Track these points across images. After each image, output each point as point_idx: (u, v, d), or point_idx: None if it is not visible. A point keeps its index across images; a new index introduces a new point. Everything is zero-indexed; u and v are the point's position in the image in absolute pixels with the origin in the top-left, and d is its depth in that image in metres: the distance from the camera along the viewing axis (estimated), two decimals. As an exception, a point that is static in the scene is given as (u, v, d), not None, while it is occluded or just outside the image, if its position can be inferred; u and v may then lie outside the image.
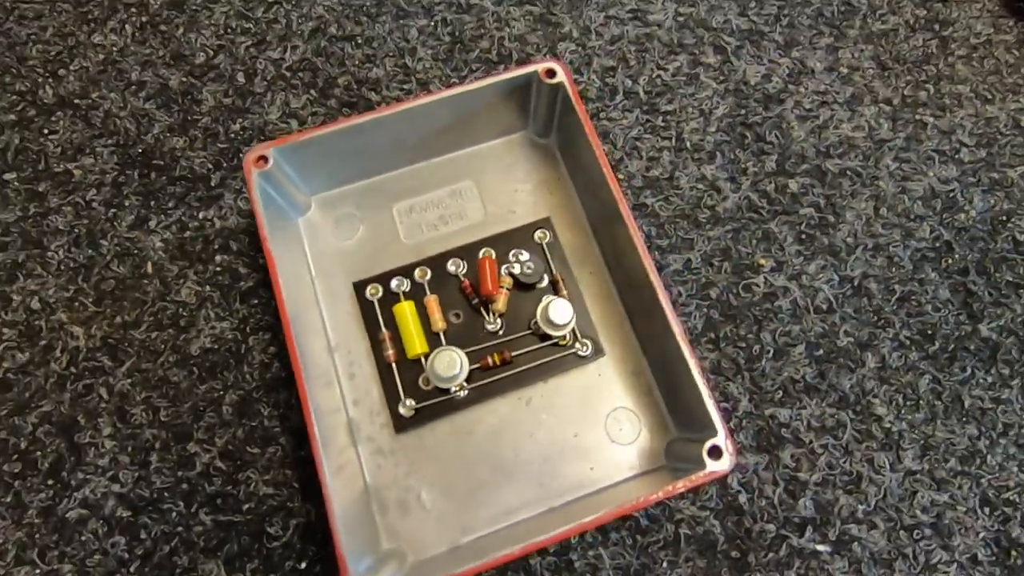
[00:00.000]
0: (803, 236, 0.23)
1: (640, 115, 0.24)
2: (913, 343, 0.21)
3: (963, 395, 0.21)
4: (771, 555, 0.19)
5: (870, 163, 0.24)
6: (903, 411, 0.21)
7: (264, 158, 0.19)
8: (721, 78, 0.25)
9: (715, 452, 0.17)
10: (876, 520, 0.20)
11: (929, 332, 0.22)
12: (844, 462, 0.20)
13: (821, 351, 0.21)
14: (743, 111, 0.25)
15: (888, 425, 0.20)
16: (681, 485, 0.16)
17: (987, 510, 0.20)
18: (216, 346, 0.21)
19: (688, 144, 0.24)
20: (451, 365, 0.19)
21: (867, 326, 0.22)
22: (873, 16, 0.26)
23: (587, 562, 0.19)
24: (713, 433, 0.17)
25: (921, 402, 0.21)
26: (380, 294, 0.21)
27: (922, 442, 0.20)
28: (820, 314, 0.22)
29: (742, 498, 0.20)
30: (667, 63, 0.25)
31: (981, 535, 0.19)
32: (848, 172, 0.24)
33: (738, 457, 0.19)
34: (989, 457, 0.20)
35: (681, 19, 0.26)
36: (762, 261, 0.22)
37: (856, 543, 0.19)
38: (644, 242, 0.19)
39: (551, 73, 0.20)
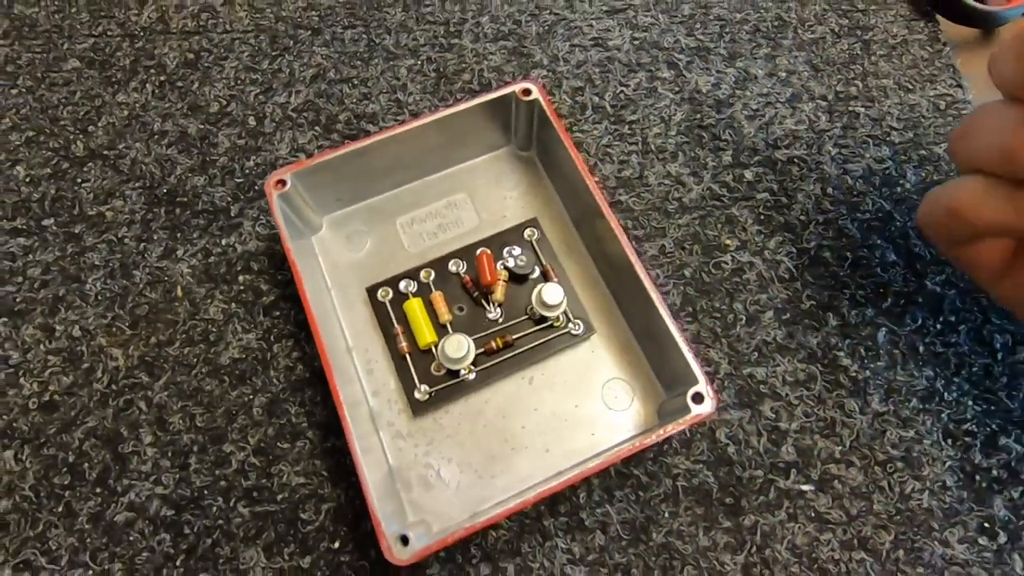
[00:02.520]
0: (762, 217, 0.26)
1: (608, 126, 0.28)
2: (868, 301, 0.24)
3: (917, 343, 0.23)
4: (761, 498, 0.21)
5: (813, 150, 0.27)
6: (866, 361, 0.23)
7: (282, 181, 0.22)
8: (676, 89, 0.28)
9: (698, 398, 0.19)
10: (852, 459, 0.22)
11: (881, 290, 0.24)
12: (818, 410, 0.22)
13: (788, 315, 0.24)
14: (698, 115, 0.28)
15: (854, 374, 0.23)
16: (671, 427, 0.18)
17: (950, 441, 0.22)
18: (244, 356, 0.23)
19: (653, 147, 0.27)
20: (459, 347, 0.21)
21: (826, 289, 0.24)
22: (803, 27, 0.30)
23: (596, 519, 0.21)
24: (695, 382, 0.19)
25: (881, 351, 0.23)
26: (391, 296, 0.23)
27: (885, 387, 0.23)
28: (784, 283, 0.24)
29: (731, 450, 0.22)
30: (628, 80, 0.29)
31: (947, 464, 0.21)
32: (795, 160, 0.27)
33: (719, 404, 0.21)
34: (946, 394, 0.22)
35: (637, 42, 0.29)
36: (728, 242, 0.25)
37: (836, 480, 0.21)
38: (622, 228, 0.21)
39: (527, 92, 0.24)
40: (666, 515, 0.21)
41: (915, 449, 0.22)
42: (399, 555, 0.17)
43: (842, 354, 0.23)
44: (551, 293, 0.22)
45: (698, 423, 0.19)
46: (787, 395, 0.23)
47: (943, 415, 0.22)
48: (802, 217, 0.26)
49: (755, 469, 0.21)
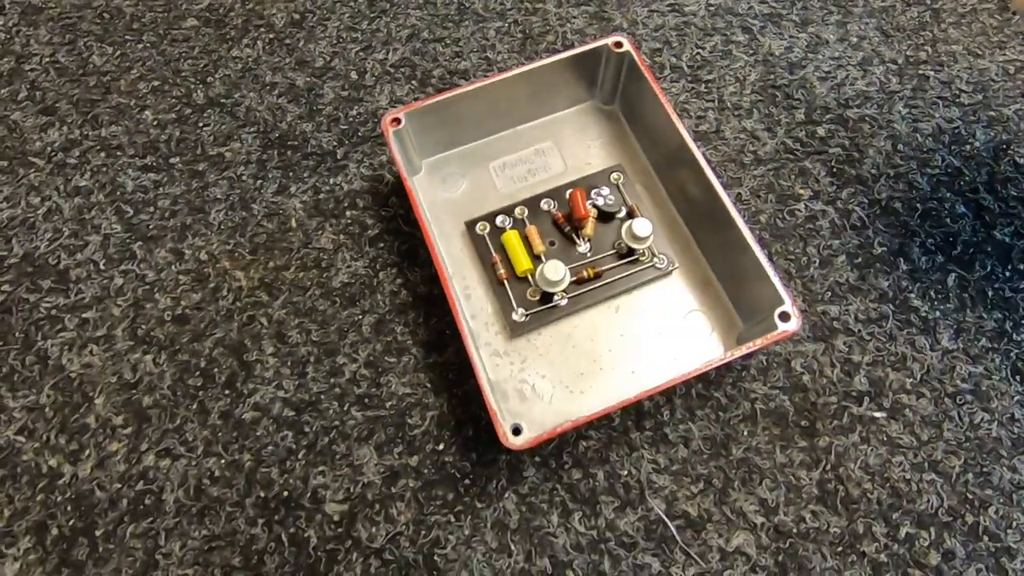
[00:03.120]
0: (834, 170, 0.27)
1: (686, 84, 0.29)
2: (938, 248, 0.25)
3: (986, 288, 0.24)
4: (835, 422, 0.22)
5: (884, 110, 0.28)
6: (936, 302, 0.24)
7: (397, 120, 0.24)
8: (751, 52, 0.30)
9: (784, 316, 0.20)
10: (923, 390, 0.23)
11: (951, 239, 0.25)
12: (890, 345, 0.24)
13: (860, 259, 0.25)
14: (772, 76, 0.29)
15: (924, 314, 0.24)
16: (759, 341, 0.20)
17: (1018, 378, 0.23)
18: (352, 281, 0.25)
19: (729, 104, 0.29)
20: (557, 270, 0.23)
21: (897, 237, 0.25)
22: (873, -3, 0.31)
23: (679, 435, 0.22)
24: (781, 302, 0.21)
25: (951, 294, 0.24)
26: (488, 229, 0.25)
27: (955, 326, 0.24)
28: (855, 230, 0.26)
29: (805, 378, 0.23)
30: (704, 43, 0.30)
31: (1016, 398, 0.23)
32: (866, 118, 0.28)
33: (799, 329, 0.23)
34: (1015, 335, 0.24)
35: (712, 8, 0.31)
36: (801, 191, 0.27)
37: (907, 409, 0.23)
38: (712, 168, 0.23)
39: (619, 44, 0.25)
40: (744, 434, 0.22)
41: (984, 384, 0.23)
42: (513, 442, 0.19)
43: (913, 295, 0.24)
44: (641, 226, 0.23)
45: (783, 340, 0.20)
46: (859, 331, 0.24)
47: (1012, 354, 0.23)
48: (873, 171, 0.27)
49: (829, 396, 0.23)
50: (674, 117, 0.24)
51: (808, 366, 0.23)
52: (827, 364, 0.23)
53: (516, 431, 0.19)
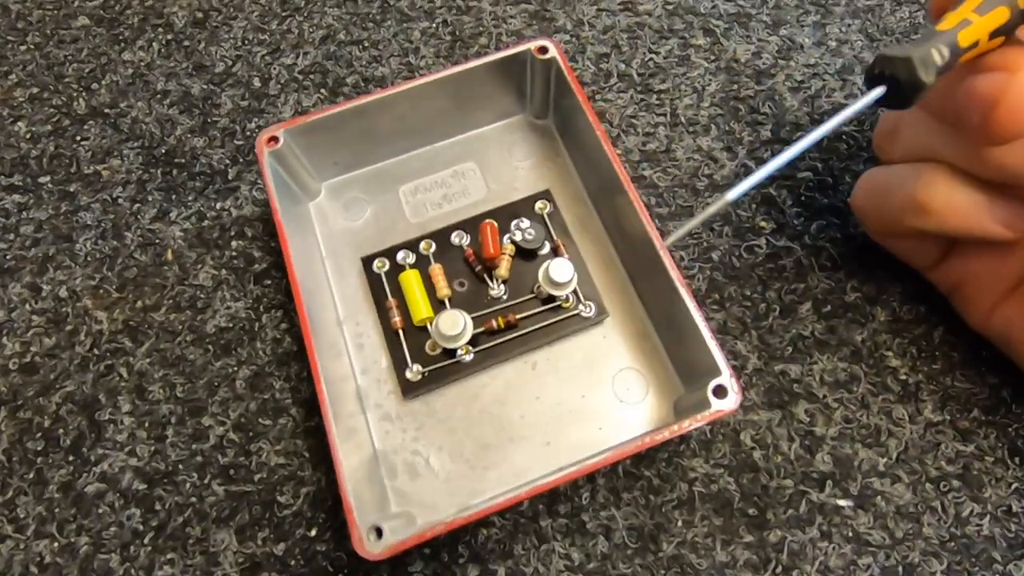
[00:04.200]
0: (803, 199, 0.23)
1: (635, 95, 0.25)
2: (923, 296, 0.21)
3: (979, 346, 0.20)
4: (791, 511, 0.18)
5: (865, 127, 0.24)
6: (919, 363, 0.20)
7: (275, 138, 0.20)
8: (712, 58, 0.26)
9: (720, 391, 0.16)
10: (899, 473, 0.19)
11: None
12: (861, 415, 0.20)
13: (829, 307, 0.21)
14: (735, 86, 0.25)
15: (904, 377, 0.20)
16: (688, 423, 0.16)
17: (1017, 460, 0.19)
18: (231, 324, 0.22)
19: (683, 119, 0.25)
20: (455, 324, 0.19)
21: (874, 281, 0.21)
22: (857, -5, 0.27)
23: (600, 523, 0.19)
24: (717, 373, 0.17)
25: (937, 353, 0.20)
26: (387, 267, 0.21)
27: (941, 393, 0.20)
28: (825, 271, 0.22)
29: (756, 454, 0.19)
30: (658, 47, 0.26)
31: (1014, 486, 0.18)
32: (843, 136, 0.24)
33: (744, 401, 0.19)
34: (1014, 406, 0.19)
35: (670, 7, 0.27)
36: (763, 224, 0.23)
37: (879, 497, 0.19)
38: (643, 205, 0.19)
39: (543, 50, 0.21)
40: (679, 523, 0.18)
41: (975, 466, 0.19)
42: (371, 548, 0.15)
43: (891, 354, 0.20)
44: (560, 269, 0.20)
45: (718, 420, 0.17)
46: (824, 396, 0.20)
47: (1010, 429, 0.19)
48: (849, 200, 0.23)
49: (784, 478, 0.19)
50: (601, 137, 0.20)
51: (760, 440, 0.19)
52: (784, 438, 0.19)
53: (379, 532, 0.16)
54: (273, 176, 0.20)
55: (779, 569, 0.18)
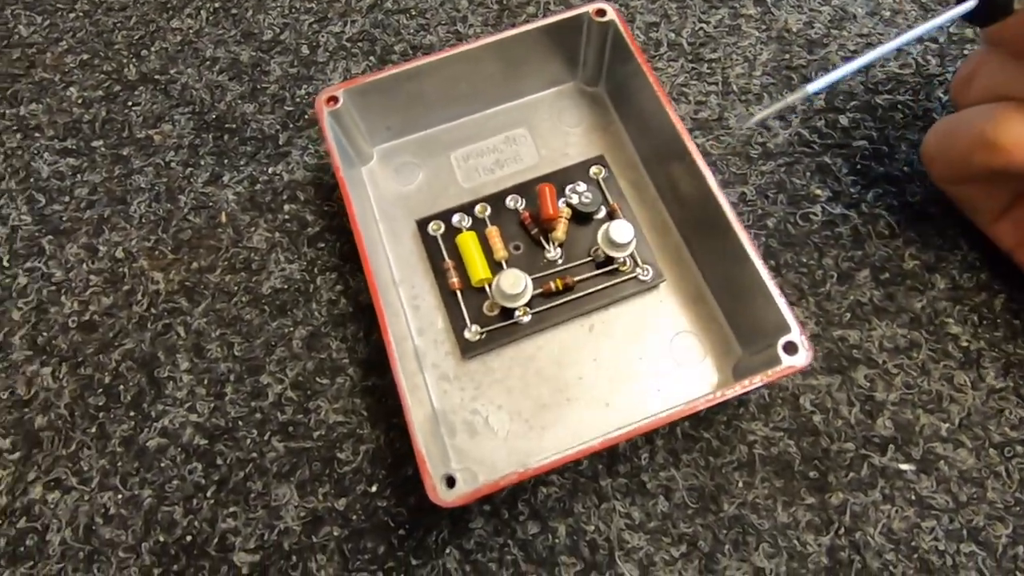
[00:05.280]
0: (858, 167, 0.23)
1: (685, 64, 0.25)
2: (984, 264, 0.21)
3: (1043, 313, 0.20)
4: (852, 474, 0.18)
5: (920, 97, 0.24)
6: (980, 330, 0.20)
7: (334, 98, 0.21)
8: (763, 27, 0.26)
9: (791, 348, 0.16)
10: (962, 438, 0.19)
11: (999, 253, 0.21)
12: (922, 381, 0.19)
13: (887, 274, 0.21)
14: (787, 56, 0.25)
15: (965, 344, 0.20)
16: (759, 379, 0.16)
17: (1083, 426, 0.19)
18: (286, 286, 0.22)
19: (735, 88, 0.24)
20: (516, 283, 0.19)
21: (933, 249, 0.21)
22: (910, -35, 0.27)
23: (659, 483, 0.19)
24: (787, 330, 0.16)
25: (998, 320, 0.20)
26: (442, 230, 0.21)
27: (1003, 360, 0.20)
28: (883, 239, 0.21)
29: (816, 418, 0.19)
30: (708, 16, 0.26)
31: (1080, 452, 0.18)
32: (899, 106, 0.24)
33: (812, 357, 0.19)
34: (1079, 373, 0.19)
35: (719, -23, 0.27)
36: (818, 191, 0.22)
37: (942, 462, 0.18)
38: (708, 165, 0.19)
39: (601, 12, 0.21)
40: (739, 485, 0.18)
41: (1039, 432, 0.19)
42: (444, 496, 0.15)
43: (951, 321, 0.20)
44: (620, 230, 0.19)
45: (792, 375, 0.16)
46: (884, 362, 0.20)
47: (1075, 396, 0.19)
48: (905, 168, 0.23)
49: (845, 442, 0.19)
50: (663, 99, 0.20)
51: (820, 404, 0.19)
52: (843, 402, 0.19)
53: (450, 482, 0.16)
54: (333, 136, 0.20)
55: (841, 531, 0.18)
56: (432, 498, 0.15)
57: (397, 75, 0.21)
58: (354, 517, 0.19)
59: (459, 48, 0.21)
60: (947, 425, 0.19)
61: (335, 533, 0.18)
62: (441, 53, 0.21)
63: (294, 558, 0.18)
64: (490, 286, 0.20)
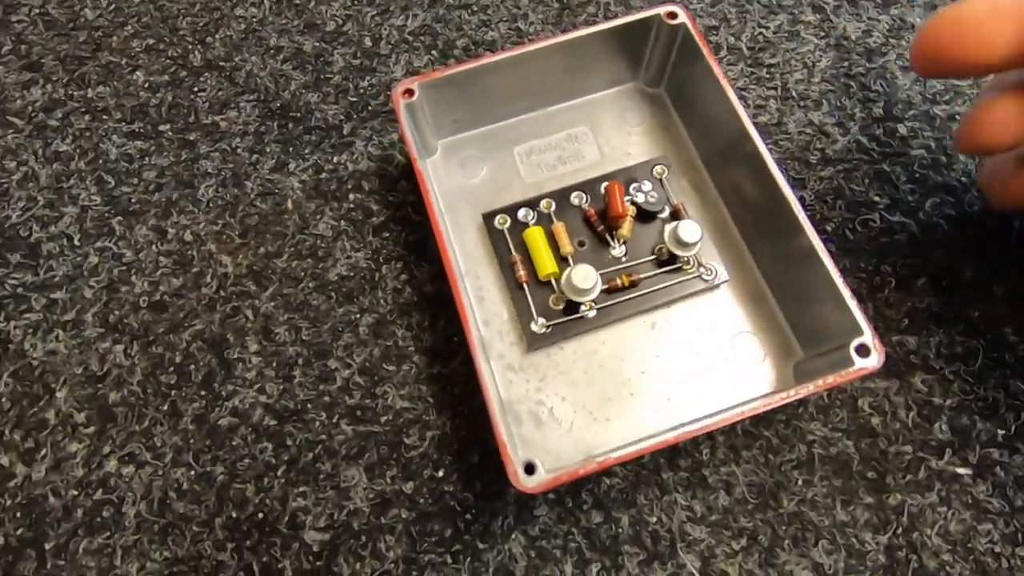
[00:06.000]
0: (916, 176, 0.23)
1: (745, 68, 0.25)
2: (1041, 275, 0.21)
3: (1100, 326, 0.20)
4: (910, 476, 0.19)
5: (979, 108, 0.24)
6: (1037, 339, 0.20)
7: (410, 91, 0.21)
8: (822, 34, 0.26)
9: (863, 350, 0.17)
10: (1018, 445, 0.19)
11: (1057, 265, 0.21)
12: (978, 388, 0.20)
13: (945, 281, 0.21)
14: (846, 63, 0.25)
15: (1022, 353, 0.20)
16: (832, 380, 0.17)
17: None
18: (351, 274, 0.22)
19: (794, 93, 0.25)
20: (587, 277, 0.19)
21: (991, 258, 0.22)
22: (968, -23, 0.27)
23: (720, 478, 0.19)
24: (859, 332, 0.17)
25: (1056, 331, 0.20)
26: (508, 223, 0.22)
27: (1061, 370, 0.20)
28: (942, 247, 0.22)
29: (874, 420, 0.20)
30: (768, 22, 0.26)
31: None
32: (956, 117, 0.24)
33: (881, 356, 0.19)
34: None
35: (778, -18, 0.27)
36: (876, 198, 0.23)
37: (998, 467, 0.19)
38: (776, 164, 0.19)
39: (672, 15, 0.22)
40: (799, 482, 0.19)
41: (1095, 441, 0.19)
42: (525, 483, 0.16)
43: (1009, 330, 0.20)
44: (689, 230, 0.20)
45: (861, 377, 0.17)
46: (942, 369, 0.20)
47: None
48: (963, 179, 0.23)
49: (902, 444, 0.19)
50: (735, 102, 0.20)
51: (878, 407, 0.20)
52: (901, 406, 0.20)
53: (529, 469, 0.16)
54: (409, 127, 0.21)
55: (899, 531, 0.18)
56: (514, 483, 0.16)
57: (470, 71, 0.21)
58: (421, 500, 0.19)
59: (531, 46, 0.21)
60: (1003, 431, 0.19)
61: (403, 515, 0.19)
62: (514, 50, 0.22)
63: (363, 537, 0.19)
64: (556, 280, 0.21)
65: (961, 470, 0.19)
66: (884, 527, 0.18)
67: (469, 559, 0.18)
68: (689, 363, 0.20)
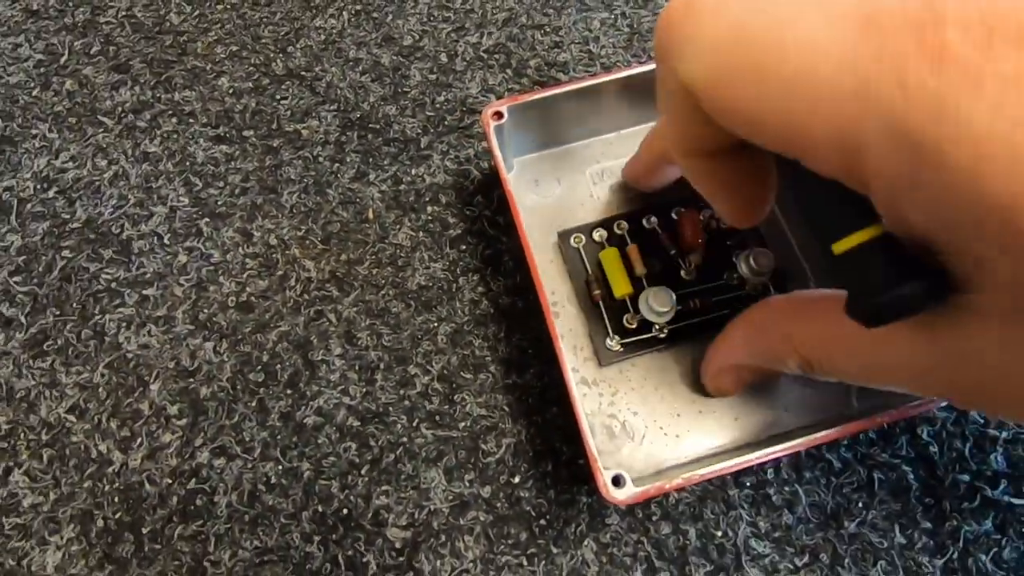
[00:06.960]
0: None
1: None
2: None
3: None
4: (965, 504, 0.20)
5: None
6: (1091, 378, 0.21)
7: (499, 113, 0.22)
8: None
9: (935, 384, 0.18)
10: (1071, 479, 0.20)
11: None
12: (1034, 422, 0.21)
13: (1003, 318, 0.22)
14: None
15: (1076, 390, 0.21)
16: (898, 412, 0.17)
17: None
18: (430, 284, 0.23)
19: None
20: (666, 301, 0.20)
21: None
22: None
23: (784, 497, 0.20)
24: (932, 367, 0.18)
25: (1109, 371, 0.21)
26: (583, 242, 0.23)
27: (1113, 408, 0.21)
28: (999, 284, 0.23)
29: (932, 449, 0.20)
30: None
31: None
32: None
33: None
34: None
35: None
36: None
37: (1052, 499, 0.20)
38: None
39: (752, 50, 0.23)
40: (859, 505, 0.20)
41: None
42: (615, 495, 0.17)
43: (1063, 367, 0.21)
44: (763, 258, 0.21)
45: (928, 409, 0.18)
46: (998, 401, 0.21)
47: None
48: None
49: (959, 473, 0.20)
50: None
51: (936, 435, 0.21)
52: (958, 436, 0.21)
53: (617, 481, 0.17)
54: (497, 147, 0.22)
55: (955, 555, 0.19)
56: (604, 495, 0.17)
57: (552, 96, 0.22)
58: (498, 504, 0.20)
59: (613, 75, 0.22)
60: (1057, 465, 0.20)
61: (481, 517, 0.20)
62: (591, 79, 0.22)
63: (443, 537, 0.20)
64: (630, 300, 0.22)
65: (1016, 500, 0.20)
66: (940, 551, 0.19)
67: (544, 562, 0.20)
68: (757, 386, 0.21)
